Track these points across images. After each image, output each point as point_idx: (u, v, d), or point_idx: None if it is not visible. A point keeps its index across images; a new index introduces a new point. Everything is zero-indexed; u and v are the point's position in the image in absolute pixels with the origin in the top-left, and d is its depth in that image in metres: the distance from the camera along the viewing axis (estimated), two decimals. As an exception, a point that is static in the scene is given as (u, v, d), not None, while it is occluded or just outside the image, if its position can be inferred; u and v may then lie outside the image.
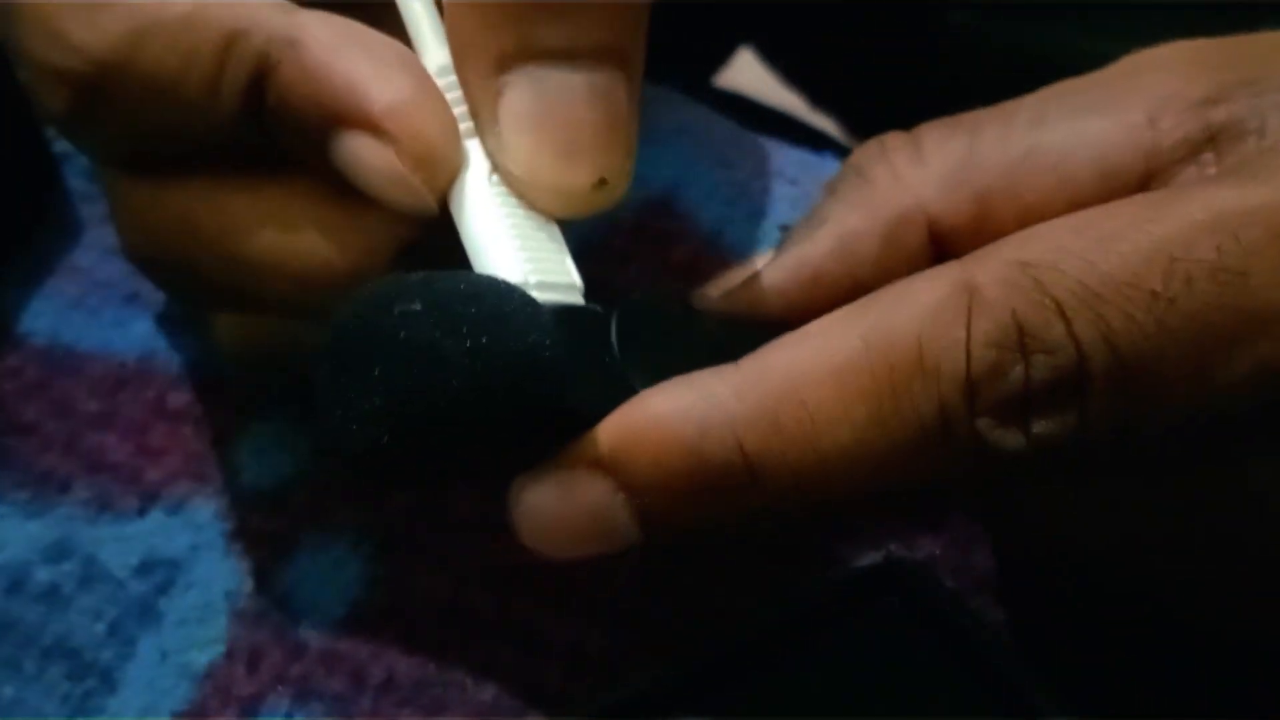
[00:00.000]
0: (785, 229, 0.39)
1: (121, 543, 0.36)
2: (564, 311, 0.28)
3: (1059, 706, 0.27)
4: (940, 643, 0.29)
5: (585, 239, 0.39)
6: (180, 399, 0.38)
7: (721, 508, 0.27)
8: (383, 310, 0.27)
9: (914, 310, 0.26)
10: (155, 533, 0.36)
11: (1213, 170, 0.28)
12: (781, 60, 0.54)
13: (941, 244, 0.30)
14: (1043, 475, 0.27)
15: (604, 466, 0.27)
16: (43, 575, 0.35)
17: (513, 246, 0.29)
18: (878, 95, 0.51)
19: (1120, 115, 0.29)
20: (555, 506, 0.27)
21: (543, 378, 0.26)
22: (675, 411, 0.26)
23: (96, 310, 0.39)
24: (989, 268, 0.26)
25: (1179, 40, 0.30)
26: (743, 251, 0.39)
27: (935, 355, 0.25)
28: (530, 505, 0.28)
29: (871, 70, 0.52)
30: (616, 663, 0.33)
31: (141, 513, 0.36)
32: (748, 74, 0.53)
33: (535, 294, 0.28)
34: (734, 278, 0.32)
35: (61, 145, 0.42)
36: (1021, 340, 0.25)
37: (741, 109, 0.44)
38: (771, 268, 0.31)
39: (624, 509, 0.27)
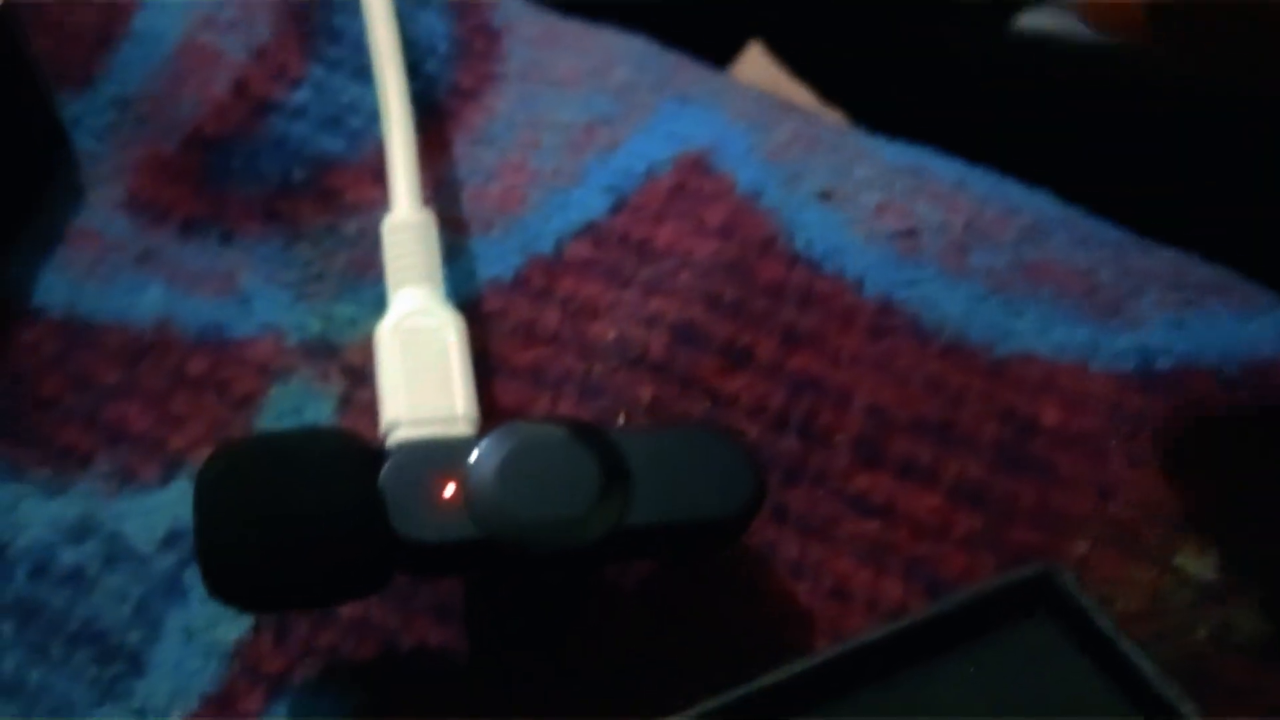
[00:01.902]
0: (825, 195, 0.38)
1: (144, 516, 0.35)
2: (413, 450, 0.31)
3: None
4: (1091, 663, 0.28)
5: (622, 197, 0.39)
6: (200, 365, 0.37)
7: None
8: (211, 480, 0.30)
9: None
10: (179, 502, 0.35)
11: None
12: (791, 53, 0.53)
13: None
14: None
15: None
16: (67, 557, 0.34)
17: (394, 391, 0.33)
18: (890, 87, 0.50)
19: None
20: None
21: (340, 529, 0.30)
22: None
23: (110, 277, 0.38)
24: None
25: None
26: (782, 214, 0.38)
27: None
28: None
29: (883, 62, 0.51)
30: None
31: (164, 482, 0.36)
32: (757, 68, 0.52)
33: (405, 431, 0.32)
34: None
35: (70, 111, 0.41)
36: None
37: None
38: None
39: None
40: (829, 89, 0.55)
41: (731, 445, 0.32)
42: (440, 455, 0.31)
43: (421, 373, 0.33)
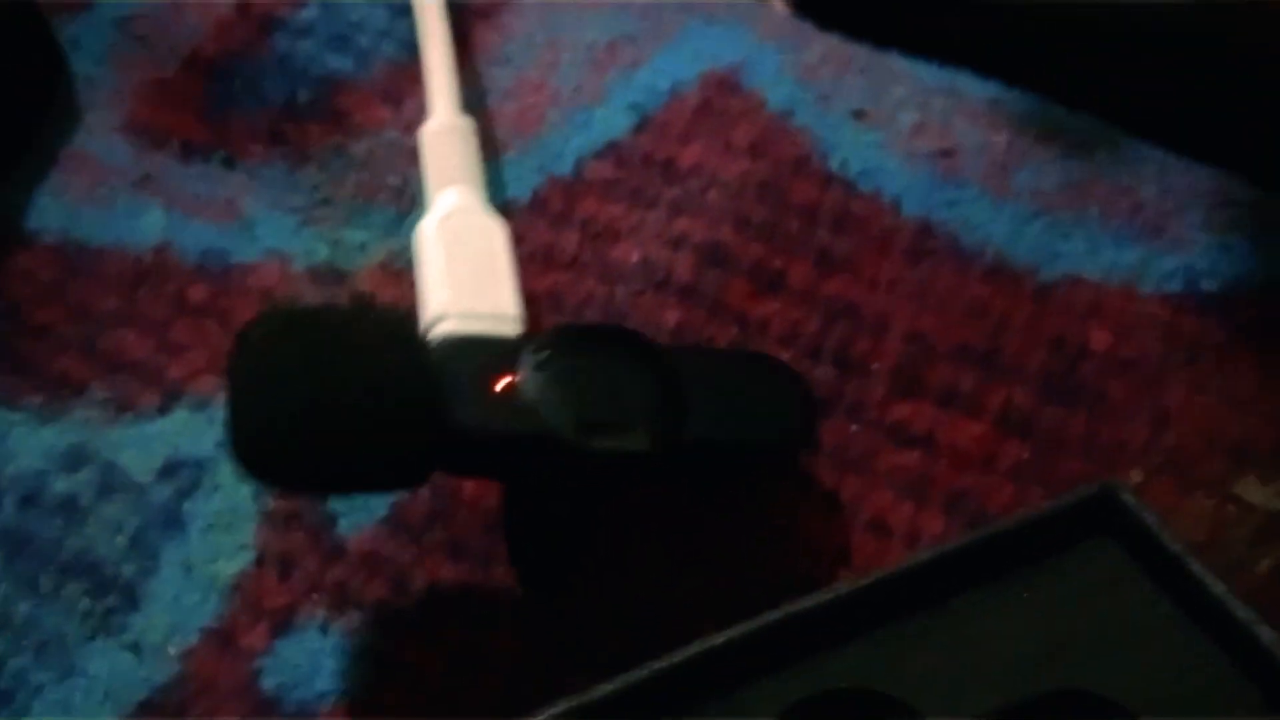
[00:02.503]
0: (860, 114, 0.36)
1: (142, 445, 0.33)
2: (463, 342, 0.30)
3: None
4: (1154, 585, 0.27)
5: (645, 116, 0.37)
6: (201, 292, 0.35)
7: None
8: (254, 343, 0.28)
9: None
10: (179, 432, 0.33)
11: None
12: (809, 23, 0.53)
13: None
14: None
15: None
16: (59, 486, 0.33)
17: (443, 283, 0.32)
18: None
19: None
20: None
21: (392, 410, 0.27)
22: None
23: (108, 202, 0.37)
24: None
25: None
26: (815, 133, 0.36)
27: None
28: None
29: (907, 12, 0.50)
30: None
31: (163, 411, 0.34)
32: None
33: (453, 323, 0.31)
34: None
35: (69, 32, 0.40)
36: None
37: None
38: None
39: None
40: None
41: (785, 370, 0.31)
42: (492, 350, 0.29)
43: (470, 270, 0.32)
